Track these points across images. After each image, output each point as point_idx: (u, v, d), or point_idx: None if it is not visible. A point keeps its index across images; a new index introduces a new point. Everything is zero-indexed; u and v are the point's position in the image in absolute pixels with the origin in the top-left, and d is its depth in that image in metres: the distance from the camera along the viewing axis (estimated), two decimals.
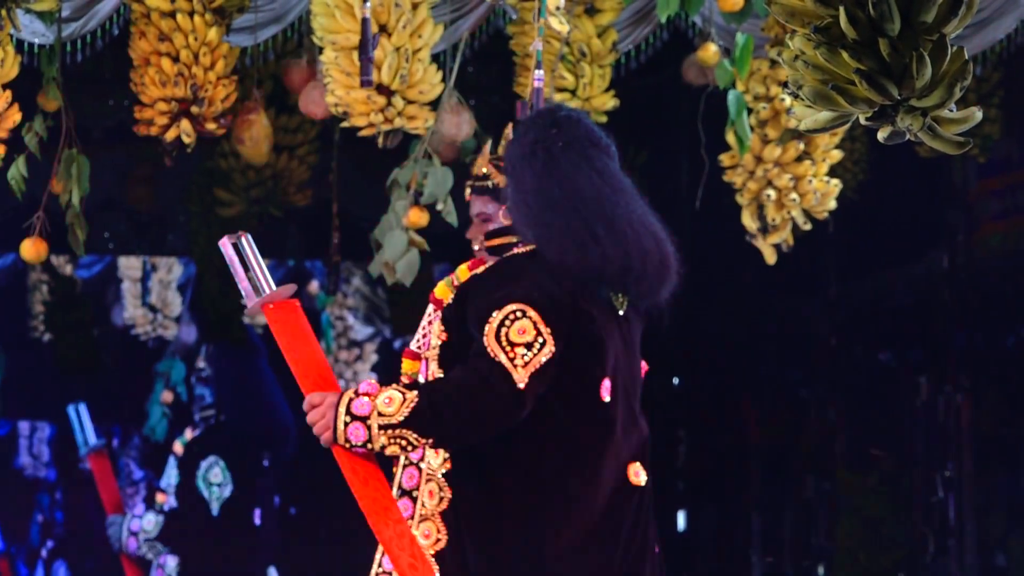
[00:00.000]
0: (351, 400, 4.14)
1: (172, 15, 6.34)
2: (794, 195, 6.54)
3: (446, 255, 7.53)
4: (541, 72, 5.58)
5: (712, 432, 9.74)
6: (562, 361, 4.21)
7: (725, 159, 6.61)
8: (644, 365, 4.56)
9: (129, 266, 9.62)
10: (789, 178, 6.52)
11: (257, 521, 7.90)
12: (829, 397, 9.47)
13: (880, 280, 9.17)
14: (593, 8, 6.46)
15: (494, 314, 4.18)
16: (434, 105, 6.22)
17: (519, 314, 4.18)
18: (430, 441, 4.17)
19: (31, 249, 6.32)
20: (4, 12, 5.59)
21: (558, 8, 5.25)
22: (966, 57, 3.32)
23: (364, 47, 5.67)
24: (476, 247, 5.06)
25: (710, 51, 6.39)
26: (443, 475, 4.33)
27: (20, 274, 9.63)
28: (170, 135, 6.41)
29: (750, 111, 6.44)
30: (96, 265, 9.77)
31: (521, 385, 4.14)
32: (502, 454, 4.27)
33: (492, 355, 4.15)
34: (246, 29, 6.44)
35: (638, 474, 4.36)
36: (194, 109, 6.38)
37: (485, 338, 4.17)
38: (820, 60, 3.33)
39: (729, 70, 6.27)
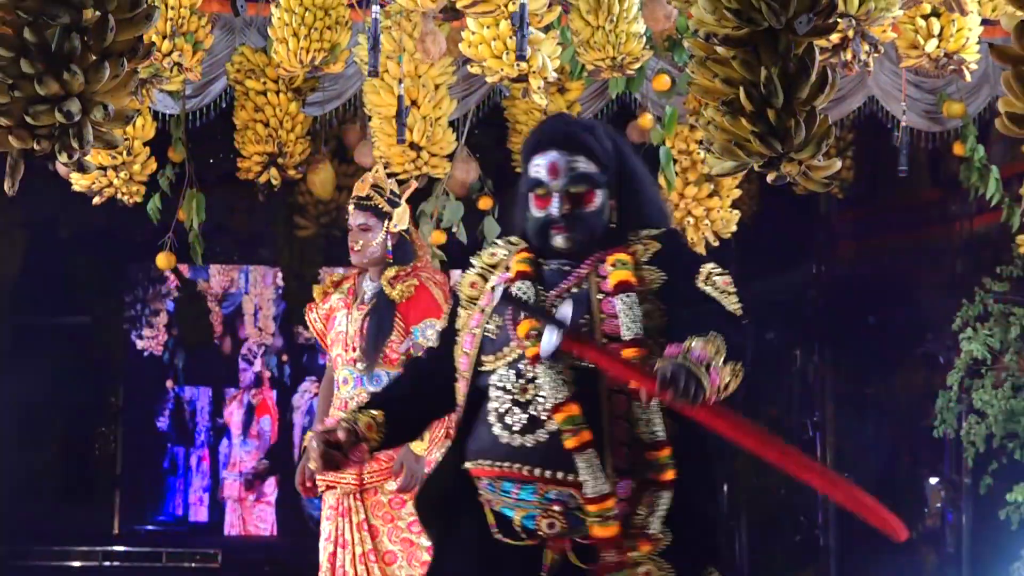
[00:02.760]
0: (688, 353, 2.90)
1: (264, 94, 6.34)
2: (707, 221, 6.51)
3: (458, 264, 7.50)
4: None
5: None
6: None
7: None
8: None
9: (248, 309, 11.31)
10: (703, 209, 6.49)
11: None
12: None
13: (768, 282, 9.12)
14: (564, 88, 6.44)
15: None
16: (450, 157, 6.20)
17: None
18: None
19: (164, 260, 6.33)
20: (144, 91, 5.59)
21: (539, 87, 5.24)
22: (830, 123, 3.31)
23: (400, 115, 5.65)
24: (357, 248, 5.09)
25: (647, 118, 6.37)
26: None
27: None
28: (263, 179, 6.41)
29: (675, 161, 6.42)
30: (230, 307, 11.42)
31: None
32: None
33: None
34: (317, 103, 6.42)
35: None
36: (280, 160, 6.37)
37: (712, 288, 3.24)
38: (726, 124, 3.31)
39: (660, 132, 6.25)
